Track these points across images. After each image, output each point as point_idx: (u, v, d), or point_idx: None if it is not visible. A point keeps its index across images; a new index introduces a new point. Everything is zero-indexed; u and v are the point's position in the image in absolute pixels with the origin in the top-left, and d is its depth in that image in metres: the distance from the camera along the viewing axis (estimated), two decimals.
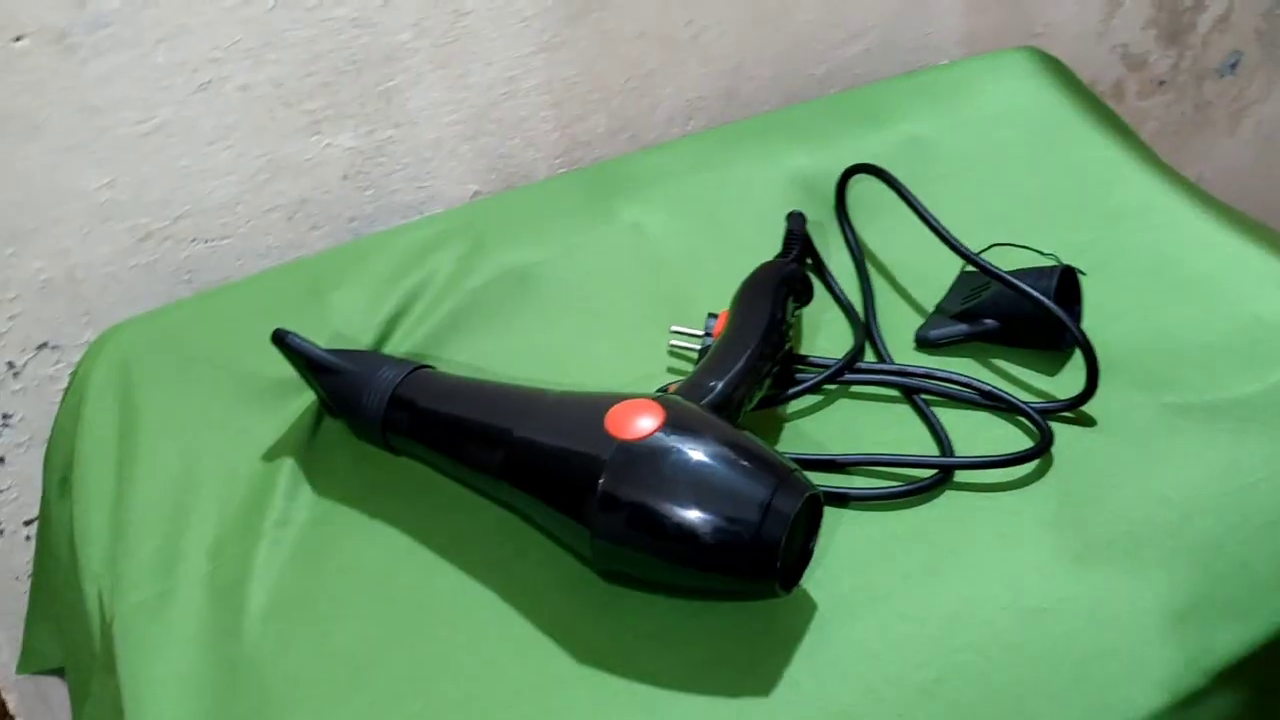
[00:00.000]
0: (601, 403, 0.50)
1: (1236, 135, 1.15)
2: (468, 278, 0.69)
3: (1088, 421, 0.59)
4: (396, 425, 0.56)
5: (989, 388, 0.59)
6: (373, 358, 0.59)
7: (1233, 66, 1.07)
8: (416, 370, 0.57)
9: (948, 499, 0.56)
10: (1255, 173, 1.20)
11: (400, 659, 0.50)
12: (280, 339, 0.57)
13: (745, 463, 0.47)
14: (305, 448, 0.59)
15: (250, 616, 0.52)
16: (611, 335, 0.66)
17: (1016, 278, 0.60)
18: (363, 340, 0.65)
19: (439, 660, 0.50)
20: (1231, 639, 0.50)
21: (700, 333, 0.62)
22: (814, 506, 0.49)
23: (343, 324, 0.65)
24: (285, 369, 0.59)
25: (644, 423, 0.48)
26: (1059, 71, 0.82)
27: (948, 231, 0.63)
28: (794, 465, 0.48)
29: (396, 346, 0.65)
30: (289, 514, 0.56)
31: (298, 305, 0.67)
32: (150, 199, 0.69)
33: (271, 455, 0.59)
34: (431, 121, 0.75)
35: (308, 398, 0.61)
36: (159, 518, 0.56)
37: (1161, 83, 1.05)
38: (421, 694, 0.49)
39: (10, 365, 0.70)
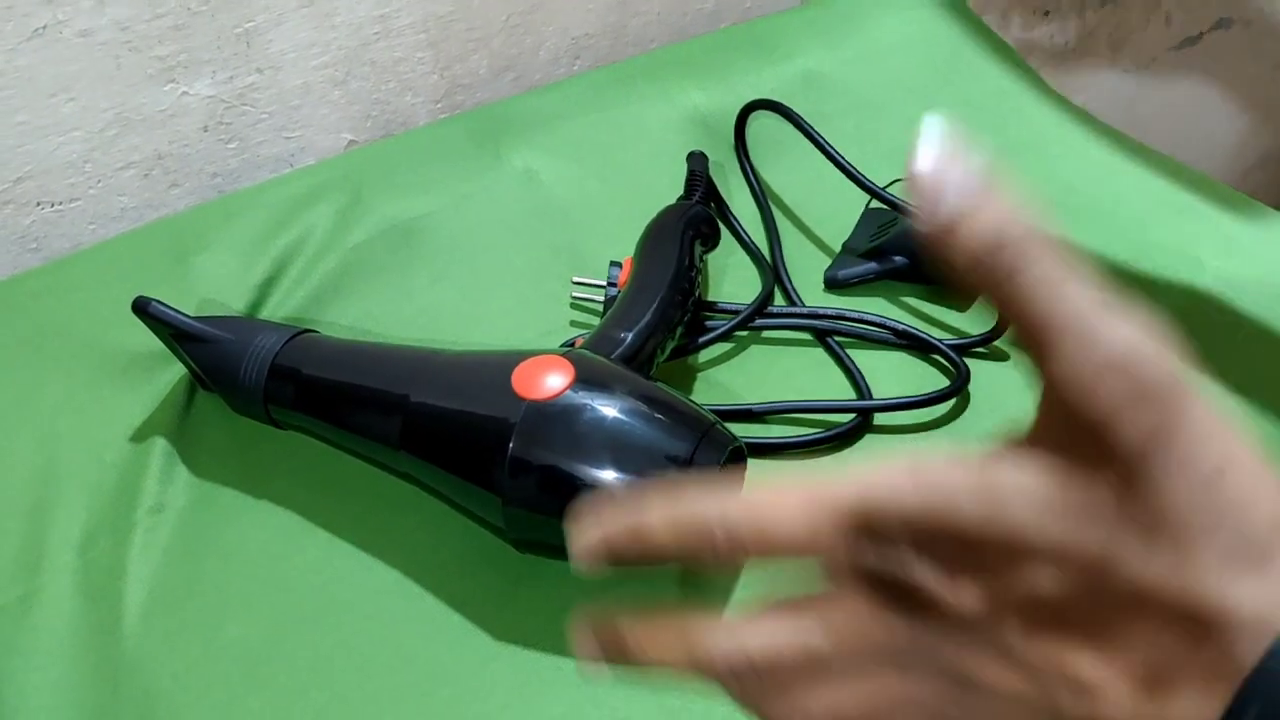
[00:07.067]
0: (506, 361, 0.47)
1: (1117, 64, 1.16)
2: (348, 233, 0.64)
3: (1001, 356, 0.58)
4: (279, 397, 0.51)
5: (903, 326, 0.58)
6: (248, 324, 0.54)
7: None
8: (298, 335, 0.53)
9: (868, 443, 0.54)
10: (1136, 102, 1.22)
11: (300, 650, 0.47)
12: (142, 308, 0.52)
13: (664, 417, 0.45)
14: (178, 426, 0.55)
15: (129, 613, 0.48)
16: (508, 290, 0.62)
17: None
18: (235, 306, 0.60)
19: (343, 649, 0.47)
20: None
21: (603, 283, 0.59)
22: (738, 459, 0.47)
23: (211, 289, 0.61)
24: (150, 341, 0.54)
25: (553, 380, 0.45)
26: (949, 1, 0.81)
27: (854, 168, 0.61)
28: (715, 417, 0.46)
29: (273, 312, 0.60)
30: (165, 499, 0.52)
31: (160, 271, 0.62)
32: None
33: (141, 436, 0.54)
34: (298, 65, 0.69)
35: (177, 371, 0.56)
36: (18, 513, 0.51)
37: (1046, 12, 1.05)
38: (326, 687, 0.46)
39: None
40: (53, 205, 0.66)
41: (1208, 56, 1.26)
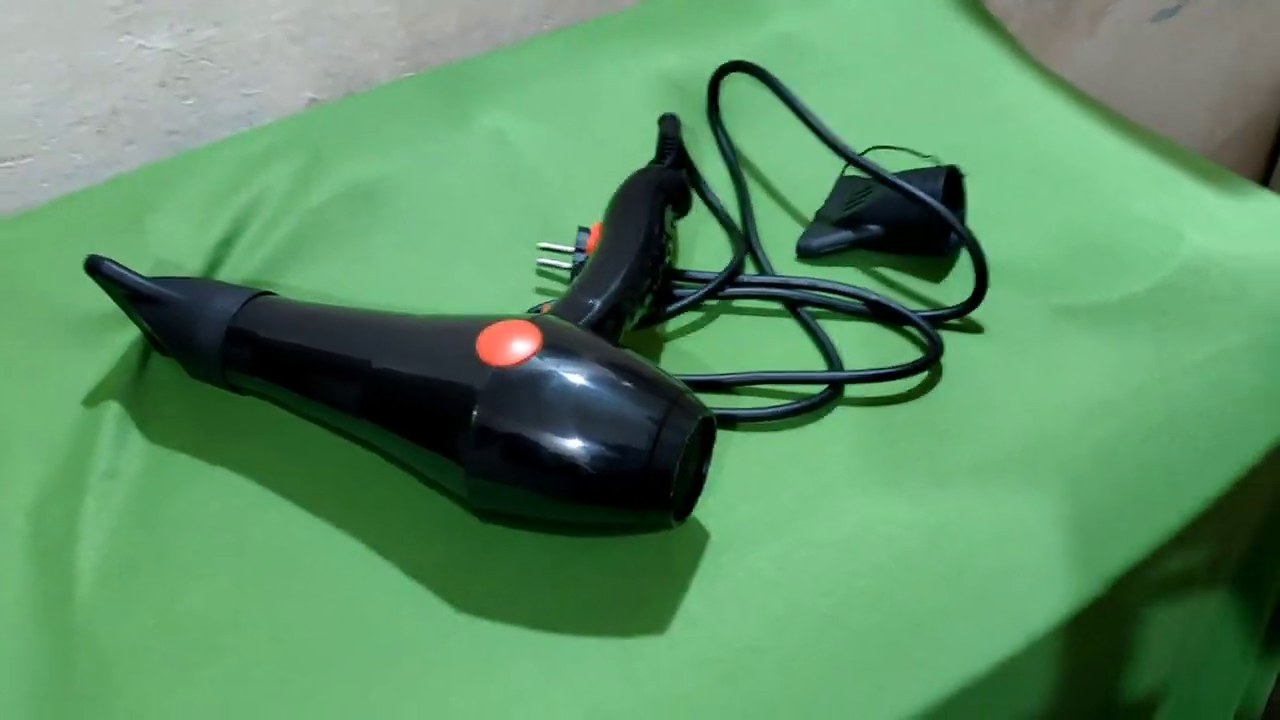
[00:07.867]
0: (471, 327, 0.45)
1: (1096, 35, 1.15)
2: (307, 195, 0.63)
3: (975, 328, 0.57)
4: (236, 360, 0.50)
5: (875, 297, 0.57)
6: (204, 285, 0.53)
7: None
8: (256, 297, 0.51)
9: (839, 415, 0.53)
10: (1113, 74, 1.21)
11: (258, 620, 0.46)
12: (95, 267, 0.50)
13: (632, 385, 0.44)
14: (132, 390, 0.53)
15: (81, 581, 0.47)
16: (473, 255, 0.61)
17: (902, 180, 0.57)
18: (190, 267, 0.58)
19: (302, 619, 0.46)
20: (1129, 545, 0.49)
21: (571, 249, 0.58)
22: (707, 430, 0.46)
23: (166, 250, 0.59)
24: (104, 302, 0.52)
25: (519, 346, 0.44)
26: None
27: (831, 133, 0.60)
28: (685, 387, 0.45)
29: (230, 274, 0.59)
30: (118, 465, 0.51)
31: (114, 230, 0.60)
32: None
33: (93, 400, 0.53)
34: (256, 18, 0.67)
35: (131, 334, 0.55)
36: None
37: None
38: (285, 658, 0.44)
39: None
40: (2, 162, 0.64)
41: (1185, 28, 1.26)
